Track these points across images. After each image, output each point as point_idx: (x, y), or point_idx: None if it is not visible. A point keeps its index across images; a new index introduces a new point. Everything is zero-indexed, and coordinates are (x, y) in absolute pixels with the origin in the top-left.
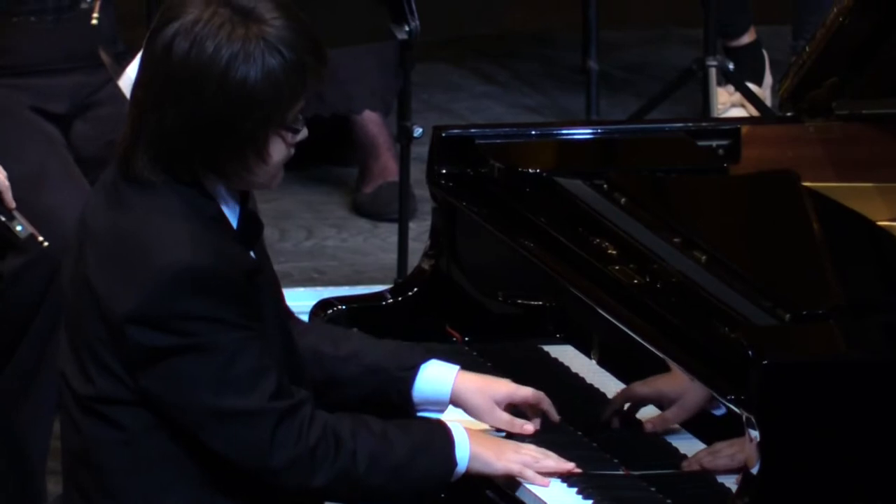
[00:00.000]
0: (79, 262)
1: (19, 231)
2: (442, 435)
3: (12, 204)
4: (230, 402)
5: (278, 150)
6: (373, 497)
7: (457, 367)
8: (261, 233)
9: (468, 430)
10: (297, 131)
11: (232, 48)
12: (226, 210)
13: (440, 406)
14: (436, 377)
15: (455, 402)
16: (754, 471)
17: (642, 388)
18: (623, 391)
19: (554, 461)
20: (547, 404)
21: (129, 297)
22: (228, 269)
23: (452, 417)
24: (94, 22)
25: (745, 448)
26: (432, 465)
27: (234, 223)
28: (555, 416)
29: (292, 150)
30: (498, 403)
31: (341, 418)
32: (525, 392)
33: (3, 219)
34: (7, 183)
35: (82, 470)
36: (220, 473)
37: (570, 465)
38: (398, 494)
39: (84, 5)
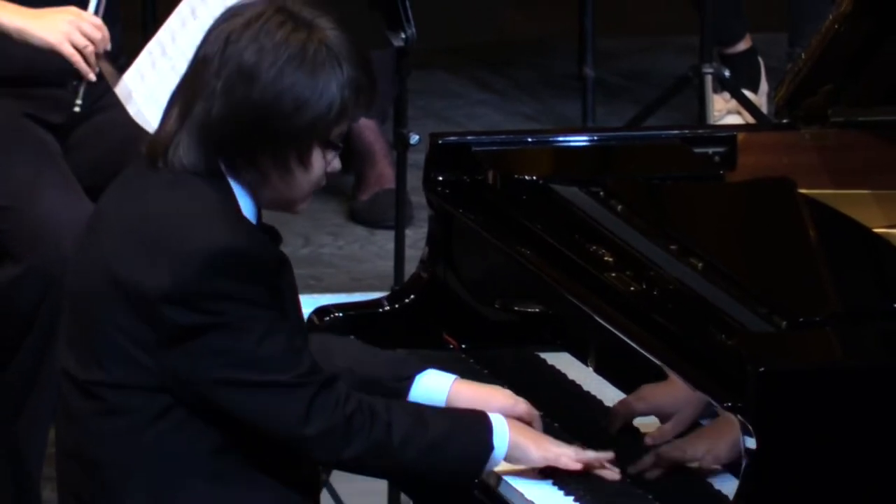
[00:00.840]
0: (92, 252)
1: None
2: (479, 420)
3: (90, 76)
4: (268, 376)
5: (318, 165)
6: (406, 474)
7: (453, 377)
8: (280, 241)
9: (508, 419)
10: (338, 149)
11: (290, 49)
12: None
13: None
14: (431, 387)
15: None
16: (749, 478)
17: (638, 403)
18: (620, 408)
19: (593, 455)
20: (537, 424)
21: (164, 278)
22: (262, 254)
23: None
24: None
25: (726, 442)
26: (467, 447)
27: None
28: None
29: (324, 181)
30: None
31: (376, 397)
32: (520, 409)
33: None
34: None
35: (79, 470)
36: (231, 465)
37: (608, 455)
38: (432, 473)
39: None
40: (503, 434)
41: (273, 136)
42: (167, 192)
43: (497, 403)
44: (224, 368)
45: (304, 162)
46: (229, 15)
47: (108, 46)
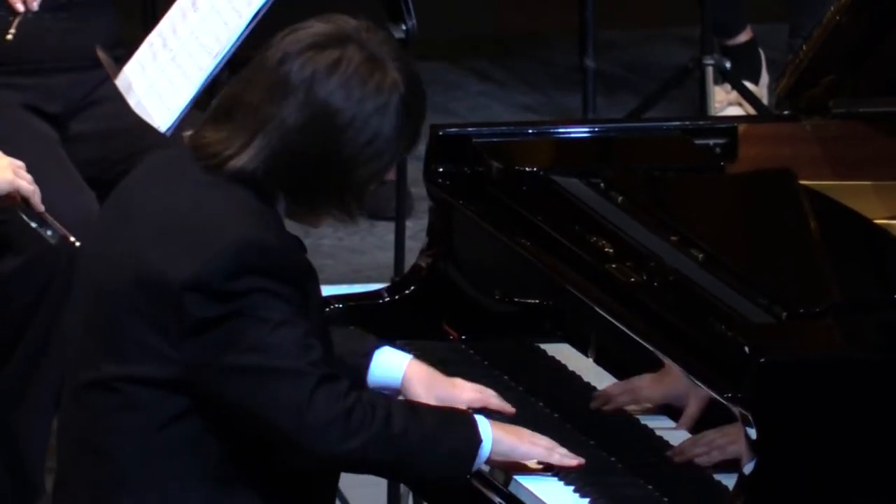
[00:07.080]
0: (122, 243)
1: (49, 236)
2: (465, 416)
3: (40, 208)
4: (273, 361)
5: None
6: (402, 468)
7: (409, 357)
8: (305, 252)
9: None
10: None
11: (377, 100)
12: None
13: (392, 392)
14: (389, 364)
15: (402, 389)
16: (750, 470)
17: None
18: (626, 388)
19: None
20: (496, 401)
21: (191, 266)
22: (291, 255)
23: None
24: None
25: (738, 442)
26: (459, 441)
27: None
28: (509, 409)
29: None
30: (441, 401)
31: (375, 393)
32: (468, 396)
33: (35, 224)
34: (34, 187)
35: (88, 458)
36: (238, 476)
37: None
38: (428, 468)
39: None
40: (486, 430)
41: (345, 184)
42: (205, 189)
43: (443, 391)
44: (232, 352)
45: (362, 202)
46: (309, 42)
47: None
